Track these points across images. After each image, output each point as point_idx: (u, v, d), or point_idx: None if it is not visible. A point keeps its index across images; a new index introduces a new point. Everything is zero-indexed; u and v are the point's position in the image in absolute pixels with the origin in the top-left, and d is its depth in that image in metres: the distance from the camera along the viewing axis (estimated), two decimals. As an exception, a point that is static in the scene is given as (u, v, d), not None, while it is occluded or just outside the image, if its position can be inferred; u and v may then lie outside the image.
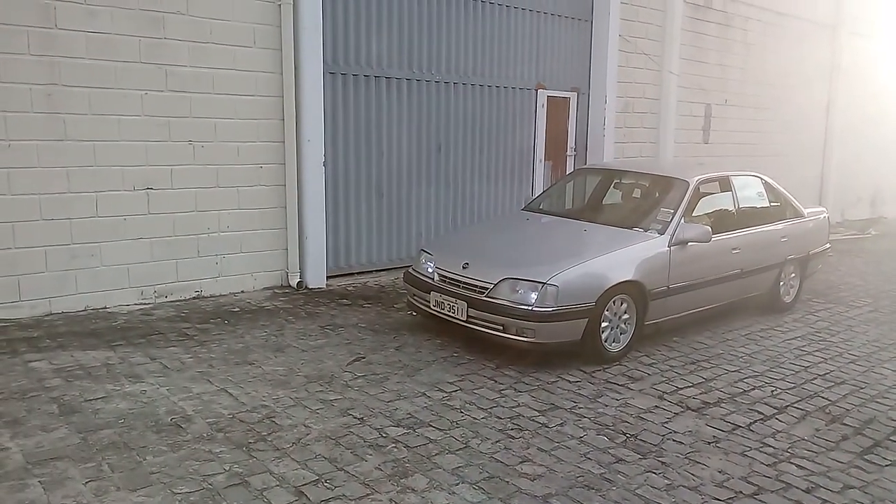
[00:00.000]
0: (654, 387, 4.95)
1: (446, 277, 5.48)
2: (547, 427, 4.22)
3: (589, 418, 4.37)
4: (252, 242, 6.89)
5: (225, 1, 6.41)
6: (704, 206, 6.20)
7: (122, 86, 5.96)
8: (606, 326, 5.26)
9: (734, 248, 6.20)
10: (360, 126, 7.65)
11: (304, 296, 6.90)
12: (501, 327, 5.09)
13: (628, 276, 5.29)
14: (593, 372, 5.13)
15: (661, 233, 5.69)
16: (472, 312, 5.20)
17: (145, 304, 6.28)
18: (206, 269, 6.64)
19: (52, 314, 5.84)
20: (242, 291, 6.86)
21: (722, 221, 6.26)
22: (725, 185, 6.56)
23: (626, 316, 5.40)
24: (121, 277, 6.16)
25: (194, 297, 6.57)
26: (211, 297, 6.65)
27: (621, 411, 4.50)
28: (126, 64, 5.96)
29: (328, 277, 7.36)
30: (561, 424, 4.26)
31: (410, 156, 8.15)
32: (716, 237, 5.85)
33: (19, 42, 5.47)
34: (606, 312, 5.22)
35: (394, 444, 3.89)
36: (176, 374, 4.74)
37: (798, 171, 13.03)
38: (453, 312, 5.33)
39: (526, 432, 4.13)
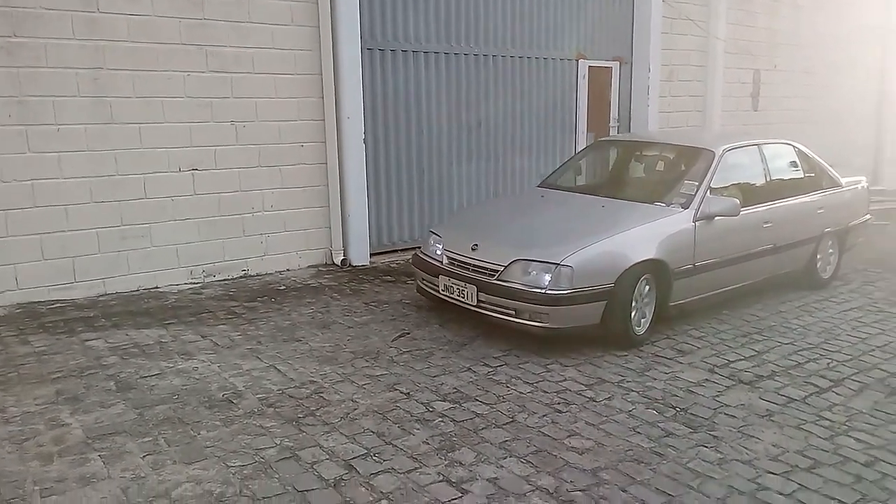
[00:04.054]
0: (705, 360, 4.85)
1: (455, 260, 5.23)
2: (594, 401, 4.18)
3: (637, 392, 4.31)
4: (296, 221, 6.95)
5: (262, -21, 6.42)
6: (733, 178, 5.80)
7: (164, 68, 6.03)
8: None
9: (766, 222, 5.85)
10: (399, 102, 7.62)
11: (348, 273, 6.95)
12: (513, 312, 4.84)
13: (650, 254, 4.98)
14: (640, 346, 5.05)
15: (686, 207, 5.35)
16: (483, 297, 4.95)
17: (194, 283, 6.40)
18: (252, 248, 6.73)
19: (106, 294, 5.99)
20: (288, 270, 6.94)
21: (752, 193, 5.87)
22: (755, 154, 6.14)
23: (649, 297, 5.10)
24: (170, 257, 6.28)
25: (241, 276, 6.67)
26: (257, 275, 6.74)
27: (670, 385, 4.43)
28: (168, 46, 6.02)
29: (371, 254, 7.39)
30: (609, 398, 4.22)
31: (450, 130, 8.10)
32: (745, 210, 5.52)
33: (64, 27, 5.56)
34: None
35: (441, 419, 3.90)
36: (226, 352, 4.83)
37: (851, 137, 12.58)
38: (463, 297, 5.08)
39: (573, 406, 4.10)
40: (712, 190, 5.52)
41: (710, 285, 5.53)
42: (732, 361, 4.85)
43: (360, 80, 7.04)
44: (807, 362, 4.85)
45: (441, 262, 5.35)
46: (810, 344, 5.21)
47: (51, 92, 5.58)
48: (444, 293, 5.26)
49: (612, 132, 9.79)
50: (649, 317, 5.14)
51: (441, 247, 5.44)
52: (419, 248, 5.89)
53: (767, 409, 4.12)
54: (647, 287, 5.08)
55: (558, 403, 4.13)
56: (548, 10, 8.77)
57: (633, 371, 4.63)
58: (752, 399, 4.25)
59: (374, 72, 7.38)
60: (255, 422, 3.82)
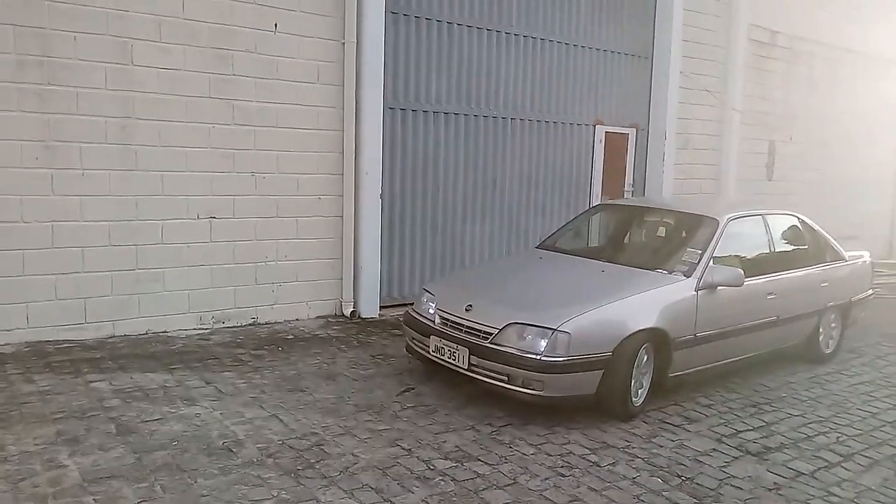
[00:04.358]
0: (712, 429, 4.77)
1: (447, 320, 5.01)
2: (598, 466, 4.11)
3: (642, 459, 4.23)
4: (308, 272, 7.01)
5: (291, 39, 6.63)
6: (736, 247, 5.67)
7: (190, 119, 6.20)
8: None
9: (769, 294, 5.68)
10: (417, 160, 7.76)
11: (356, 325, 6.96)
12: (506, 378, 4.62)
13: (650, 322, 4.81)
14: (648, 411, 4.98)
15: (688, 275, 5.19)
16: (475, 360, 4.72)
17: (203, 329, 6.44)
18: (263, 296, 6.77)
19: (114, 336, 6.03)
20: (297, 319, 6.96)
21: (756, 264, 5.75)
22: (760, 224, 6.05)
23: (647, 367, 4.92)
24: (181, 302, 6.34)
25: (250, 324, 6.70)
26: (266, 324, 6.77)
27: (677, 453, 4.35)
28: (195, 98, 6.20)
29: (381, 308, 7.41)
30: (613, 464, 4.14)
31: (466, 190, 8.21)
32: (749, 281, 5.34)
33: (97, 78, 5.76)
34: None
35: (441, 477, 3.85)
36: (229, 399, 4.82)
37: (868, 208, 12.61)
38: (454, 359, 4.86)
39: (576, 470, 4.03)
40: (715, 259, 5.38)
41: (711, 357, 5.33)
42: (741, 431, 4.76)
43: (381, 137, 7.20)
44: (816, 435, 4.76)
45: (433, 322, 5.14)
46: (820, 417, 5.12)
47: (78, 138, 5.74)
48: (435, 354, 5.04)
49: (627, 196, 9.86)
50: (646, 387, 4.95)
51: (434, 305, 5.22)
52: (411, 304, 5.75)
53: (775, 482, 4.03)
54: (646, 357, 4.90)
55: (561, 467, 4.07)
56: (567, 78, 8.98)
57: (639, 437, 4.56)
58: (760, 471, 4.16)
59: (395, 130, 7.54)
60: (253, 472, 3.79)
